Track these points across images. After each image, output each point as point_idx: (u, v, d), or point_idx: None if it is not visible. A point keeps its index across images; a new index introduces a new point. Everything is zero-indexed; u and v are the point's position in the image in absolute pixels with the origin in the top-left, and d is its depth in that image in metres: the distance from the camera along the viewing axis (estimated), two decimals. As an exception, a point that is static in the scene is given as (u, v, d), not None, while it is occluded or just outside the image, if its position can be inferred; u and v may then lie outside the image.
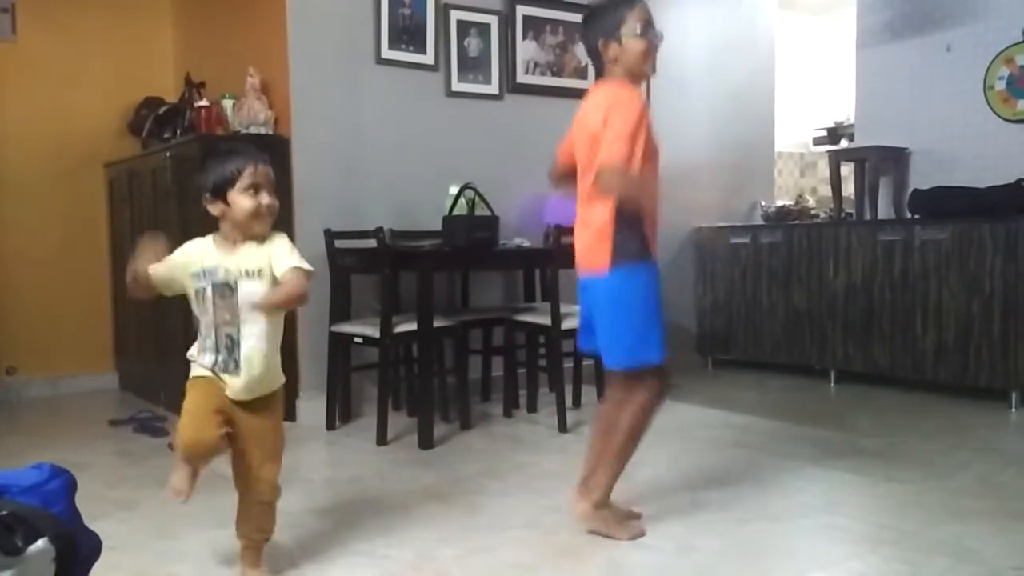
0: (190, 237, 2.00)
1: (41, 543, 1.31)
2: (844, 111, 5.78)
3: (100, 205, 4.86)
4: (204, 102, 3.96)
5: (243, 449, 1.98)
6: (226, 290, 1.92)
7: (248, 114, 3.86)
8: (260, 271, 1.93)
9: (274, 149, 3.86)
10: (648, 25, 2.21)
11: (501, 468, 3.03)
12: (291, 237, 4.02)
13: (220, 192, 1.93)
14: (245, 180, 1.91)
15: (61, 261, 4.73)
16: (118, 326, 4.85)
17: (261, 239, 1.96)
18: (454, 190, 3.74)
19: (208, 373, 1.96)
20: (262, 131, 3.85)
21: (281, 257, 1.93)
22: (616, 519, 2.34)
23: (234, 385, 1.95)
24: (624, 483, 2.49)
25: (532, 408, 3.99)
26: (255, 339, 1.94)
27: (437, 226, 3.71)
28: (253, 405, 1.98)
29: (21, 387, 4.57)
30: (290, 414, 3.75)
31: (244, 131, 3.84)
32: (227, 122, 3.92)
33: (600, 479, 2.33)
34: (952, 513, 2.48)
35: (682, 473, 2.96)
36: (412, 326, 3.41)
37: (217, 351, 1.95)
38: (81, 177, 4.79)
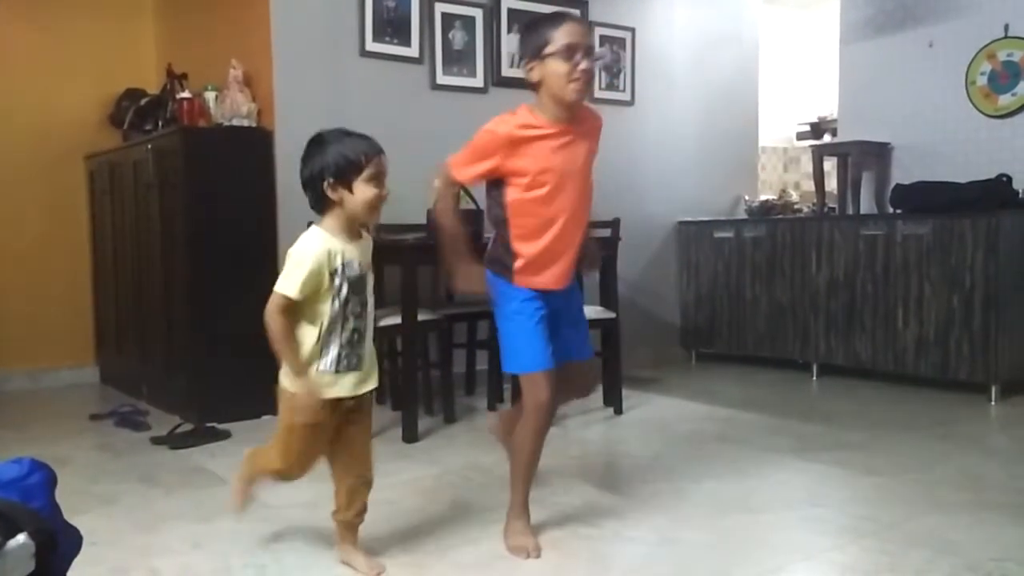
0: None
1: (21, 538, 1.30)
2: (827, 106, 5.81)
3: (81, 197, 4.82)
4: (186, 94, 3.93)
5: (350, 440, 1.99)
6: (359, 283, 1.91)
7: (231, 106, 3.83)
8: (371, 264, 1.95)
9: (257, 142, 3.85)
10: (574, 46, 2.05)
11: (485, 461, 3.03)
12: (274, 231, 4.01)
13: (346, 178, 1.86)
14: (372, 168, 1.87)
15: (41, 254, 4.69)
16: (99, 319, 4.81)
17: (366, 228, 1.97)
18: (438, 183, 3.73)
19: (317, 383, 1.89)
20: (245, 123, 3.82)
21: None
22: (517, 530, 2.23)
23: (350, 381, 1.93)
24: (608, 475, 2.51)
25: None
26: (371, 331, 1.96)
27: (421, 219, 3.70)
28: (357, 404, 1.98)
29: (1, 381, 4.53)
30: (273, 407, 3.73)
31: (227, 123, 3.82)
32: (209, 114, 3.88)
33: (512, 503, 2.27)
34: (932, 505, 2.50)
35: (665, 465, 2.97)
36: (396, 319, 3.40)
37: (342, 346, 1.90)
38: (61, 169, 4.74)
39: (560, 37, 2.05)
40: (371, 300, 1.97)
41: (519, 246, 2.16)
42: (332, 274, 1.86)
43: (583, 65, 2.05)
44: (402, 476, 2.88)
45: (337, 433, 1.97)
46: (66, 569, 1.48)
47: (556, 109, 2.12)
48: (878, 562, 2.09)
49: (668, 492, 2.66)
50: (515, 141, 2.11)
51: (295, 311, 1.86)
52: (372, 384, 2.00)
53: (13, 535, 1.30)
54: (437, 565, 2.11)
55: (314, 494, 2.63)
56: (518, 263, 2.17)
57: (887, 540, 2.23)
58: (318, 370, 1.89)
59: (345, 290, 1.88)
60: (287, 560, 2.14)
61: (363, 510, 2.07)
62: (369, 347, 1.97)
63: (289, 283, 1.83)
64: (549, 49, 2.06)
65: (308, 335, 1.89)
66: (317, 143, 1.90)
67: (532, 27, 2.15)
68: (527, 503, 2.26)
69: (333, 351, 1.89)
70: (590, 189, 2.24)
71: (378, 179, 1.88)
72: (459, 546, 2.22)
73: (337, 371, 1.90)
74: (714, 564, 2.11)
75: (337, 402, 1.92)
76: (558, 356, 2.22)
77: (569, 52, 2.04)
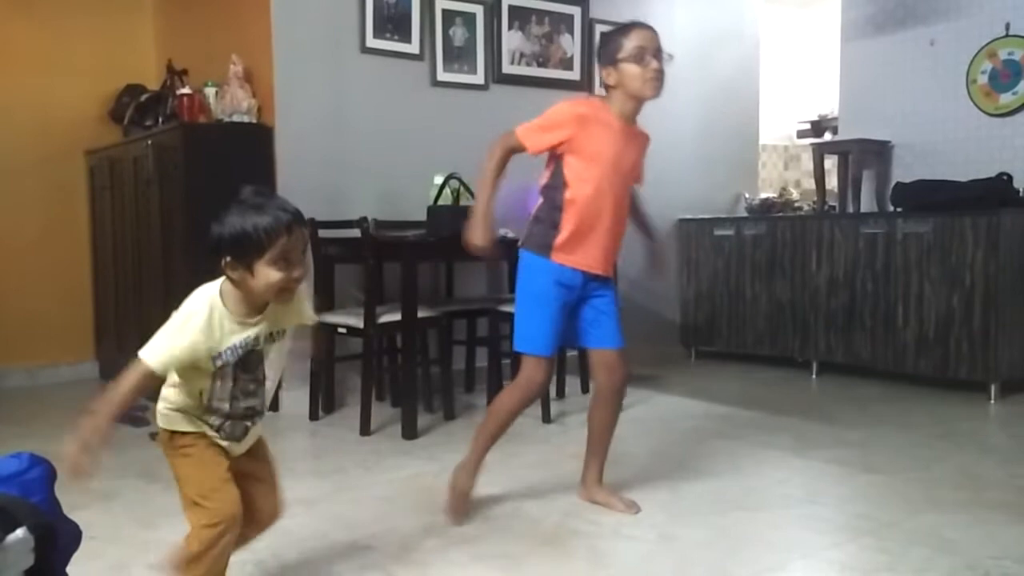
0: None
1: (20, 532, 1.30)
2: (828, 104, 5.80)
3: (81, 193, 4.82)
4: (186, 90, 3.93)
5: (250, 495, 1.72)
6: (252, 360, 1.64)
7: (231, 102, 3.83)
8: (285, 331, 1.70)
9: (257, 138, 3.85)
10: (643, 49, 2.27)
11: (485, 458, 3.02)
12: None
13: (244, 259, 1.55)
14: (276, 250, 1.55)
15: (41, 250, 4.69)
16: (98, 315, 4.81)
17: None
18: (439, 180, 3.73)
19: (204, 431, 1.66)
20: (245, 119, 3.82)
21: (307, 313, 1.76)
22: (459, 493, 2.41)
23: (235, 449, 1.71)
24: (607, 472, 2.51)
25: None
26: (268, 398, 1.73)
27: (422, 216, 3.70)
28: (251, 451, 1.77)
29: (0, 377, 4.53)
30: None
31: (227, 119, 3.81)
32: (210, 110, 3.89)
33: (469, 456, 2.46)
34: (931, 504, 2.50)
35: (664, 463, 2.97)
36: (396, 316, 3.40)
37: (226, 419, 1.66)
38: (61, 165, 4.74)
39: (630, 42, 2.28)
40: (273, 372, 1.69)
41: (567, 220, 2.31)
42: (217, 356, 1.59)
43: (654, 64, 2.27)
44: (401, 473, 2.88)
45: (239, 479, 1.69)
46: (65, 564, 1.48)
47: (628, 107, 2.34)
48: (876, 560, 2.09)
49: (667, 490, 2.66)
50: (586, 120, 2.29)
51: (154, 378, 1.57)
52: (252, 442, 1.76)
53: (12, 529, 1.30)
54: (436, 563, 2.11)
55: (311, 491, 2.64)
56: (560, 237, 2.32)
57: (886, 538, 2.23)
58: (206, 423, 1.66)
59: (230, 370, 1.61)
60: (286, 556, 2.14)
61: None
62: (261, 421, 1.74)
63: (152, 349, 1.55)
64: (622, 55, 2.28)
65: (191, 399, 1.65)
66: (227, 208, 1.59)
67: (606, 37, 2.38)
68: (478, 469, 2.44)
69: (216, 418, 1.65)
70: (629, 196, 2.46)
71: (287, 259, 1.56)
72: (459, 544, 2.22)
73: (218, 434, 1.67)
74: (712, 562, 2.11)
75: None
76: (591, 343, 2.44)
77: (640, 54, 2.26)
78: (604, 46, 2.36)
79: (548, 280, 2.34)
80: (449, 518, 2.37)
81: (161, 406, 1.68)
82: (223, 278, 1.61)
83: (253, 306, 1.62)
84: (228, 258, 1.56)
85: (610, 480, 2.57)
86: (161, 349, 1.55)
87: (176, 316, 1.60)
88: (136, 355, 1.57)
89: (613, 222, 2.36)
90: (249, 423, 1.71)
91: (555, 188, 2.35)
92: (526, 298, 2.39)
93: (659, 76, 2.29)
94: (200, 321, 1.57)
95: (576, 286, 2.37)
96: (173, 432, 1.67)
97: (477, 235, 2.31)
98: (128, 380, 1.56)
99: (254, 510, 1.74)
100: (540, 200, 2.40)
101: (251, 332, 1.62)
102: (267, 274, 1.56)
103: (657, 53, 2.29)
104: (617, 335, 2.46)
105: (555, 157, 2.36)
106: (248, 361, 1.64)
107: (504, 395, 2.44)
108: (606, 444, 2.54)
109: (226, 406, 1.65)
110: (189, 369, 1.60)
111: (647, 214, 2.64)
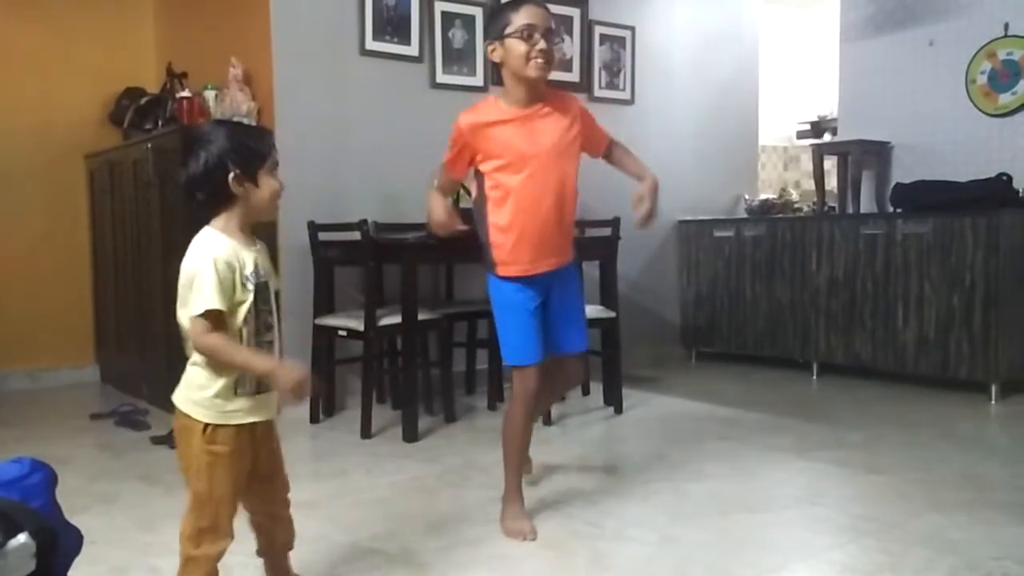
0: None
1: (22, 537, 1.30)
2: (827, 105, 5.80)
3: (80, 197, 4.82)
4: (186, 93, 3.93)
5: (268, 474, 1.74)
6: (266, 291, 1.65)
7: (231, 105, 3.83)
8: (272, 270, 1.71)
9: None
10: (532, 27, 2.14)
11: (485, 461, 3.03)
12: (274, 229, 4.00)
13: (251, 169, 1.63)
14: (273, 159, 1.69)
15: (41, 253, 4.68)
16: (99, 319, 4.81)
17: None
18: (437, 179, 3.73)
19: (236, 410, 1.63)
20: (245, 122, 3.82)
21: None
22: (512, 515, 2.34)
23: (270, 402, 1.68)
24: (608, 474, 2.50)
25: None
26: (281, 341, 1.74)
27: (422, 218, 3.67)
28: (268, 429, 1.75)
29: (0, 380, 4.53)
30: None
31: (227, 122, 3.81)
32: (209, 113, 3.88)
33: (505, 492, 2.40)
34: (932, 504, 2.50)
35: (665, 464, 2.97)
36: (396, 319, 3.40)
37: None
38: (61, 168, 4.74)
39: (519, 18, 2.15)
40: (276, 312, 1.71)
41: (495, 235, 2.28)
42: (243, 284, 1.60)
43: (541, 44, 2.14)
44: (402, 475, 2.88)
45: (253, 471, 1.70)
46: (67, 568, 1.48)
47: (518, 91, 2.22)
48: (878, 561, 2.09)
49: (668, 491, 2.66)
50: (474, 128, 2.23)
51: (222, 324, 1.58)
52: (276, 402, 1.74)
53: (14, 534, 1.30)
54: (437, 565, 2.11)
55: (312, 494, 2.64)
56: (497, 253, 2.28)
57: (887, 539, 2.23)
58: (239, 392, 1.62)
59: (253, 299, 1.62)
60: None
61: (291, 540, 1.86)
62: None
63: (204, 298, 1.55)
64: (509, 30, 2.16)
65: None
66: (209, 131, 1.67)
67: (495, 11, 2.28)
68: (520, 488, 2.37)
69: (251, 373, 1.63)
70: (570, 173, 2.29)
71: (276, 171, 1.70)
72: (459, 546, 2.22)
73: (259, 392, 1.65)
74: (714, 563, 2.11)
75: (253, 428, 1.67)
76: (551, 348, 2.36)
77: (528, 31, 2.14)
78: (492, 19, 2.28)
79: (508, 290, 2.30)
80: (530, 537, 2.27)
81: (193, 395, 1.62)
82: (207, 227, 1.64)
83: (246, 230, 1.67)
84: (236, 172, 1.61)
85: (610, 480, 2.56)
86: (208, 292, 1.55)
87: (191, 268, 1.60)
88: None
89: (550, 213, 2.24)
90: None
91: (480, 206, 2.33)
92: (498, 312, 2.35)
93: (545, 56, 2.14)
94: (221, 250, 1.59)
95: (536, 287, 2.30)
96: (209, 426, 1.60)
97: (436, 212, 2.34)
98: (206, 341, 1.56)
99: (276, 495, 1.78)
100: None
101: (258, 257, 1.66)
102: (269, 183, 1.67)
103: (547, 33, 2.16)
104: (582, 338, 2.43)
105: (477, 174, 2.31)
106: (262, 291, 1.65)
107: (508, 415, 2.38)
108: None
109: (253, 342, 1.63)
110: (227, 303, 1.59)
111: (634, 159, 2.44)
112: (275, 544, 1.84)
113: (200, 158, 1.62)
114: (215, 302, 1.55)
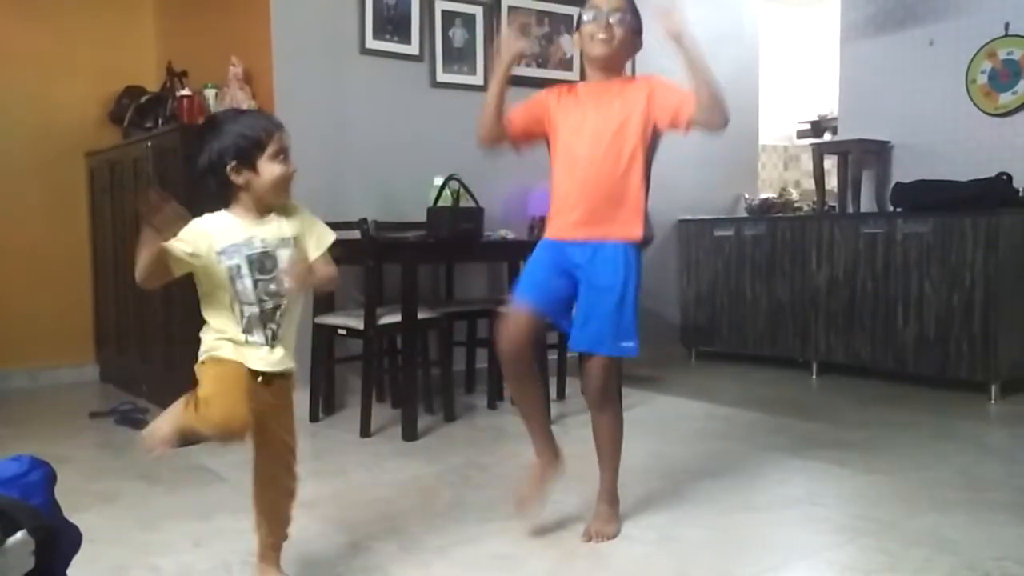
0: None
1: (20, 535, 1.30)
2: (828, 104, 5.80)
3: (81, 195, 4.82)
4: (186, 91, 3.93)
5: (269, 437, 1.85)
6: (266, 261, 1.77)
7: (231, 104, 3.82)
8: (294, 238, 1.80)
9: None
10: (597, 11, 2.21)
11: (485, 460, 3.03)
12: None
13: (249, 159, 1.73)
14: (275, 144, 1.75)
15: (41, 251, 4.69)
16: (99, 317, 4.81)
17: (282, 209, 1.82)
18: (439, 181, 3.73)
19: (229, 354, 1.76)
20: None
21: (324, 235, 1.87)
22: (530, 476, 2.35)
23: (269, 357, 1.79)
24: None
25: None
26: (295, 309, 1.83)
27: (422, 217, 3.70)
28: (276, 386, 1.82)
29: (0, 379, 4.53)
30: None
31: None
32: (209, 112, 3.88)
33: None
34: (931, 504, 2.50)
35: (665, 464, 2.97)
36: (396, 318, 3.40)
37: (255, 327, 1.77)
38: (61, 167, 4.74)
39: (588, 6, 2.25)
40: (287, 287, 1.80)
41: (553, 195, 2.29)
42: (223, 252, 1.72)
43: (603, 21, 2.20)
44: (402, 474, 2.88)
45: (258, 429, 1.80)
46: (66, 567, 1.48)
47: (592, 73, 2.31)
48: (877, 561, 2.09)
49: (667, 490, 2.66)
50: (558, 93, 2.30)
51: (180, 268, 1.72)
52: (288, 368, 1.84)
53: (13, 532, 1.30)
54: (437, 564, 2.11)
55: (312, 493, 2.64)
56: (550, 211, 2.30)
57: (886, 539, 2.23)
58: (230, 336, 1.76)
59: (246, 269, 1.74)
60: (286, 557, 2.14)
61: (287, 522, 1.93)
62: (288, 327, 1.83)
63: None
64: (582, 19, 2.25)
65: (222, 312, 1.77)
66: (211, 127, 1.78)
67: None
68: (545, 449, 2.35)
69: (245, 328, 1.76)
70: (623, 153, 2.21)
71: (283, 155, 1.77)
72: (459, 545, 2.22)
73: (247, 342, 1.77)
74: (713, 562, 2.11)
75: (252, 376, 1.77)
76: (573, 344, 2.29)
77: (594, 15, 2.22)
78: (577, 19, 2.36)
79: (538, 247, 2.31)
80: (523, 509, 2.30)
81: (204, 345, 1.79)
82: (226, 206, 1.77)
83: (258, 211, 1.78)
84: (234, 163, 1.72)
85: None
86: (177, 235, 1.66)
87: None
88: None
89: (592, 185, 2.20)
90: (279, 324, 1.80)
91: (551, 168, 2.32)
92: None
93: (607, 33, 2.20)
94: (207, 220, 1.75)
95: (564, 254, 2.23)
96: (212, 359, 1.76)
97: (504, 43, 2.23)
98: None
99: (275, 462, 1.87)
100: None
101: (260, 231, 1.76)
102: (271, 169, 1.74)
103: (611, 13, 2.21)
104: (592, 337, 2.25)
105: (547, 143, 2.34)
106: (263, 263, 1.76)
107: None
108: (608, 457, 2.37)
109: (255, 309, 1.76)
110: (206, 277, 1.75)
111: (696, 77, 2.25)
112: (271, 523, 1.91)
113: (202, 152, 1.75)
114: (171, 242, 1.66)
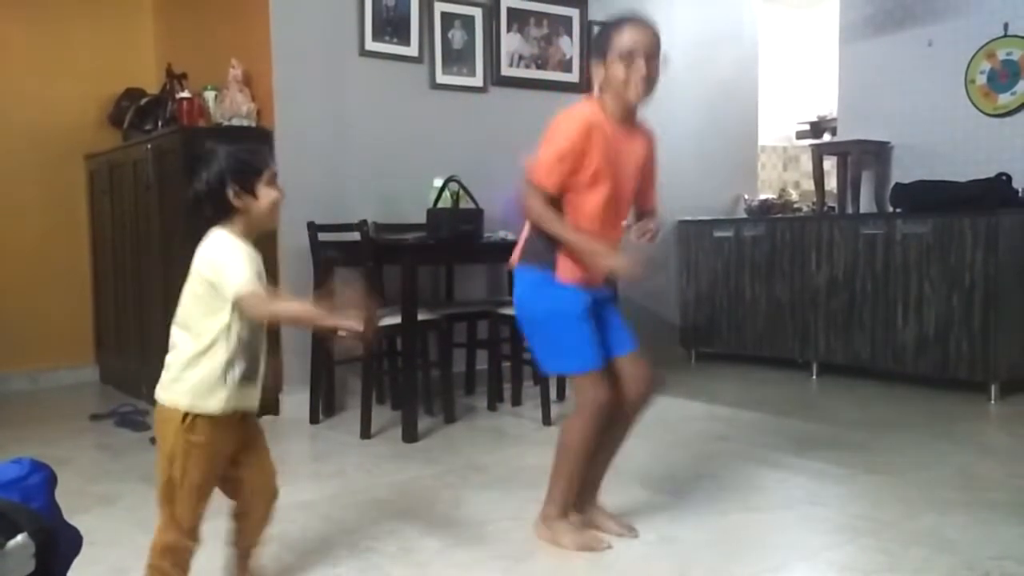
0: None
1: (21, 538, 1.30)
2: (827, 105, 5.80)
3: (80, 197, 4.82)
4: (186, 94, 3.93)
5: (253, 459, 1.86)
6: None
7: (230, 106, 3.83)
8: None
9: (257, 141, 3.84)
10: (633, 51, 2.08)
11: (485, 461, 3.03)
12: (275, 230, 3.99)
13: (248, 183, 1.75)
14: (270, 171, 1.79)
15: (41, 254, 4.69)
16: (98, 319, 4.81)
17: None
18: (438, 183, 3.74)
19: (220, 405, 1.72)
20: (244, 123, 3.82)
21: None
22: (570, 528, 2.26)
23: (253, 395, 1.80)
24: (607, 475, 2.50)
25: (516, 401, 4.00)
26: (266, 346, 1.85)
27: (421, 219, 3.70)
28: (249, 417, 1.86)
29: (0, 381, 4.53)
30: (274, 408, 3.74)
31: (226, 123, 3.82)
32: (209, 114, 3.89)
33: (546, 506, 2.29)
34: (931, 504, 2.50)
35: (665, 465, 2.97)
36: (396, 319, 3.40)
37: (247, 355, 1.76)
38: (61, 169, 4.74)
39: (621, 42, 2.10)
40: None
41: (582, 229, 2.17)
42: (259, 276, 1.71)
43: (642, 69, 2.08)
44: (402, 476, 2.89)
45: (240, 458, 1.83)
46: (66, 569, 1.48)
47: (617, 106, 2.15)
48: (877, 561, 2.09)
49: (667, 491, 2.66)
50: (591, 129, 2.10)
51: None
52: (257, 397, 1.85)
53: (13, 535, 1.30)
54: (437, 565, 2.11)
55: (312, 494, 2.64)
56: (564, 255, 2.17)
57: (885, 539, 2.23)
58: (230, 379, 1.73)
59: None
60: (286, 559, 2.14)
61: (264, 530, 1.95)
62: (264, 360, 1.83)
63: (244, 270, 1.67)
64: (611, 54, 2.11)
65: (219, 349, 1.73)
66: (209, 153, 1.79)
67: (601, 30, 2.22)
68: (567, 508, 2.26)
69: (241, 362, 1.75)
70: (631, 200, 2.28)
71: (275, 181, 1.81)
72: (459, 546, 2.23)
73: (243, 380, 1.76)
74: (713, 563, 2.11)
75: (230, 420, 1.77)
76: (633, 347, 2.32)
77: (630, 56, 2.08)
78: (597, 40, 2.21)
79: (564, 294, 2.16)
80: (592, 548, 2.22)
81: (182, 385, 1.73)
82: (217, 229, 1.75)
83: (250, 238, 1.78)
84: (235, 188, 1.73)
85: (610, 481, 2.56)
86: (245, 267, 1.68)
87: (219, 252, 1.72)
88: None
89: (613, 229, 2.22)
90: (262, 359, 1.80)
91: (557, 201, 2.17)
92: (547, 315, 2.19)
93: (647, 81, 2.10)
94: (242, 246, 1.73)
95: (587, 296, 2.19)
96: (191, 416, 1.71)
97: (623, 265, 2.13)
98: (269, 303, 1.71)
99: (251, 490, 1.87)
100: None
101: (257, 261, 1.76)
102: (269, 193, 1.78)
103: (651, 56, 2.10)
104: (632, 338, 2.34)
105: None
106: None
107: (570, 427, 2.23)
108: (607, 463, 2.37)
109: (246, 334, 1.74)
110: (216, 300, 1.72)
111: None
112: (242, 540, 1.93)
113: (203, 178, 1.76)
114: (254, 274, 1.68)
